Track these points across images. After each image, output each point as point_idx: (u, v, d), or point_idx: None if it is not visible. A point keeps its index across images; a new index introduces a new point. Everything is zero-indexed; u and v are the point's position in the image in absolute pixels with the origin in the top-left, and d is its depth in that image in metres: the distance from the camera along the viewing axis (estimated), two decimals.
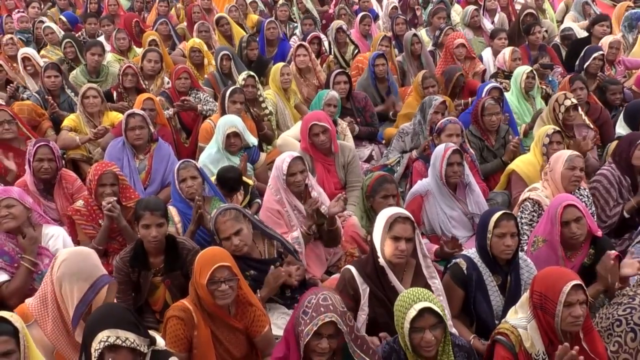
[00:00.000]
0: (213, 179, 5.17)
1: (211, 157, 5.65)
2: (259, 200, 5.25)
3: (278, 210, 4.74)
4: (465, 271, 3.82)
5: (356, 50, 8.72)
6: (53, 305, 3.43)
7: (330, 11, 11.09)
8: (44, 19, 10.79)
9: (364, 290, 3.68)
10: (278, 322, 4.01)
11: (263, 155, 6.07)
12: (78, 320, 3.35)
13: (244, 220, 4.05)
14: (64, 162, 5.49)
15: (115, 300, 3.62)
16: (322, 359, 3.09)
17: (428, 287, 3.64)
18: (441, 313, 3.06)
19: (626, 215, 4.95)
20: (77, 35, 9.44)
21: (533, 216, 4.63)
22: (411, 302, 3.07)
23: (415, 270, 3.76)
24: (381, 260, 3.65)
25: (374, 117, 6.94)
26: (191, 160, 5.01)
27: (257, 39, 8.57)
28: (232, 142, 5.61)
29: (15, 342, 2.85)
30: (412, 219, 3.71)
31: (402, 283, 3.72)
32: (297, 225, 4.69)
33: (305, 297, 3.16)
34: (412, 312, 3.04)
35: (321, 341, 3.05)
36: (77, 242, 4.62)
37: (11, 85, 7.04)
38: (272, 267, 4.09)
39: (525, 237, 4.41)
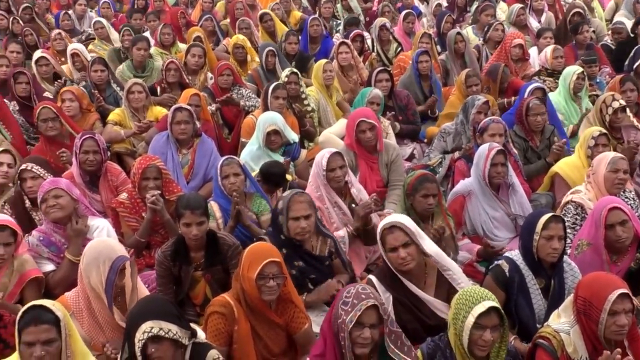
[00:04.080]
0: (254, 174, 5.19)
1: (252, 154, 5.68)
2: None
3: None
4: (507, 273, 3.76)
5: (399, 48, 8.66)
6: (85, 301, 3.57)
7: (374, 8, 11.05)
8: (92, 14, 11.03)
9: (387, 298, 3.65)
10: (317, 319, 4.01)
11: (304, 152, 6.08)
12: (111, 303, 3.49)
13: (313, 211, 4.10)
14: (108, 154, 5.59)
15: (138, 277, 3.75)
16: (364, 351, 3.09)
17: (452, 288, 3.64)
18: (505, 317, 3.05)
19: None
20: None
21: (576, 219, 4.56)
22: (479, 299, 3.05)
23: (439, 272, 3.73)
24: (394, 270, 3.65)
25: (416, 115, 6.89)
26: (234, 157, 5.04)
27: (298, 34, 8.58)
28: (273, 139, 5.64)
29: (56, 331, 2.91)
30: (399, 223, 3.65)
31: (426, 286, 3.71)
32: (337, 222, 4.69)
33: (342, 291, 3.18)
34: (480, 308, 3.01)
35: (363, 331, 3.05)
36: (120, 234, 4.69)
37: (59, 80, 7.20)
38: (332, 280, 4.13)
39: (568, 241, 4.32)
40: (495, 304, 3.05)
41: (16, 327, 2.89)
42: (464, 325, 3.04)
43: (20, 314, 2.92)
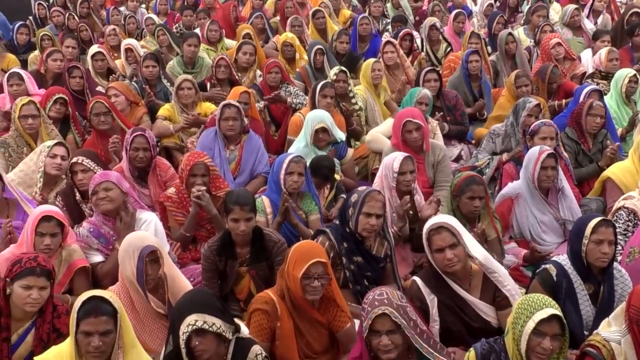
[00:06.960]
0: None
1: (299, 151, 5.66)
2: (344, 195, 5.25)
3: None
4: (554, 278, 3.70)
5: (449, 48, 8.58)
6: (126, 295, 3.65)
7: (424, 8, 10.97)
8: (144, 10, 11.23)
9: (432, 300, 3.63)
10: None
11: (350, 151, 6.06)
12: (145, 290, 3.60)
13: (384, 212, 4.14)
14: (157, 150, 5.66)
15: (176, 269, 3.87)
16: (389, 356, 3.06)
17: (498, 290, 3.61)
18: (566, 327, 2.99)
19: None
20: (174, 27, 9.77)
21: (628, 226, 4.45)
22: (542, 305, 2.98)
23: (485, 275, 3.68)
24: (439, 272, 3.62)
25: (464, 116, 6.82)
26: (303, 157, 5.00)
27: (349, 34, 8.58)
28: (321, 137, 5.63)
29: (113, 323, 2.97)
30: (447, 224, 3.63)
31: (471, 288, 3.67)
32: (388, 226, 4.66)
33: (367, 295, 3.18)
34: (542, 314, 2.94)
35: (381, 338, 3.03)
36: (167, 228, 4.76)
37: (113, 75, 7.35)
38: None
39: (619, 247, 4.22)
40: (558, 312, 2.97)
41: (74, 315, 2.95)
42: (523, 331, 2.96)
43: (79, 303, 2.98)
